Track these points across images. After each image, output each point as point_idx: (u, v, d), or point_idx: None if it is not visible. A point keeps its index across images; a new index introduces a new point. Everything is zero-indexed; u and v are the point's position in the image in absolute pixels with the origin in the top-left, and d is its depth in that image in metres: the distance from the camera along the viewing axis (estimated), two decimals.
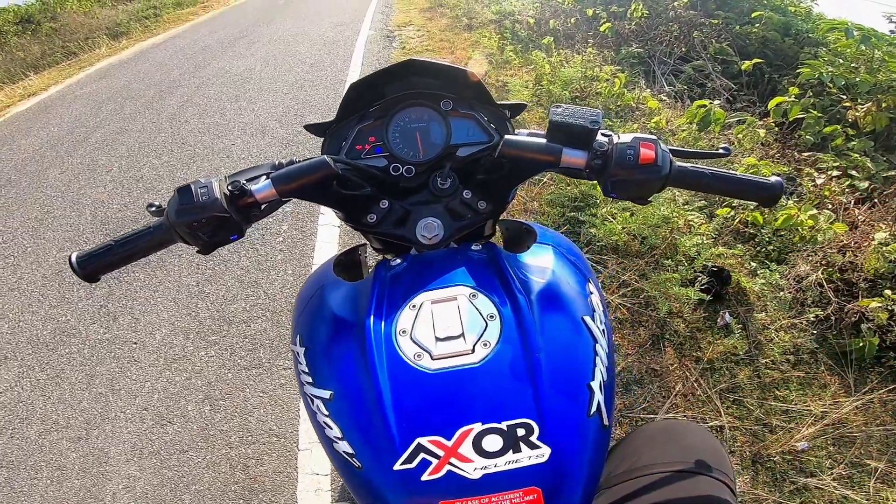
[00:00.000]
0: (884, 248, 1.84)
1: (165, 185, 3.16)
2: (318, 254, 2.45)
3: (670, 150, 0.62)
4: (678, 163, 0.62)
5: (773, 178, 0.63)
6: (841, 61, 3.01)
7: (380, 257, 0.86)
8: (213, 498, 1.50)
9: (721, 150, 0.68)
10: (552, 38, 4.50)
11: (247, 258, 2.45)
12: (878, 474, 1.36)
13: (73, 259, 0.62)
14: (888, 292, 1.70)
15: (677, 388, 1.61)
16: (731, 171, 0.65)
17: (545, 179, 2.62)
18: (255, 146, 3.55)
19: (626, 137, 0.60)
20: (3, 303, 2.37)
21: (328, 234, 2.57)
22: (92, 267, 0.63)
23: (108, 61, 6.68)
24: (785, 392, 1.59)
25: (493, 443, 0.49)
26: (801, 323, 1.77)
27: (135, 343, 2.06)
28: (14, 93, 5.74)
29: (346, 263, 0.80)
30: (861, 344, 1.63)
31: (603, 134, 0.61)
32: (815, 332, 1.75)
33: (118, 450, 1.67)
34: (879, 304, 1.67)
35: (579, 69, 3.70)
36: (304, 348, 0.62)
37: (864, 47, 2.94)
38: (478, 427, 0.49)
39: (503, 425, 0.49)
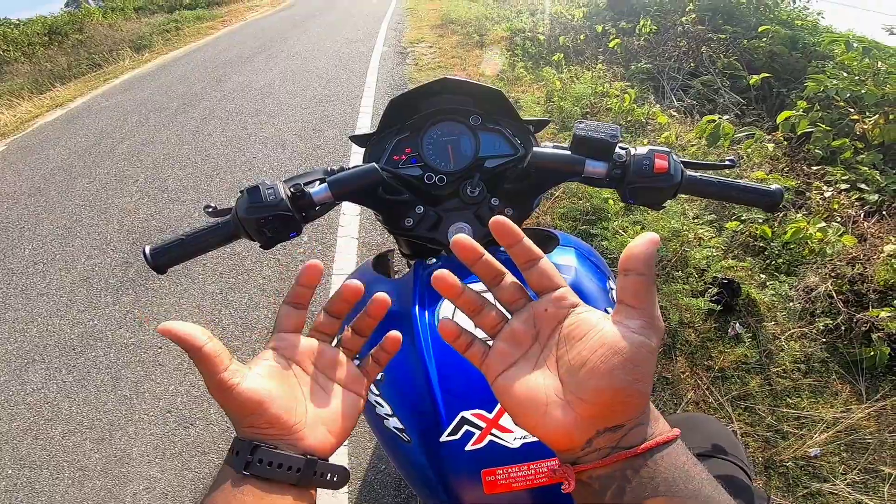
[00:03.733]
0: (893, 260, 1.85)
1: (190, 196, 3.27)
2: (338, 264, 2.52)
3: (682, 161, 0.70)
4: (689, 172, 0.69)
5: (774, 186, 0.70)
6: (845, 74, 3.04)
7: (404, 261, 0.94)
8: None
9: (727, 162, 0.75)
10: (562, 55, 4.60)
11: (268, 268, 2.53)
12: (892, 480, 1.36)
13: (147, 251, 0.67)
14: None
15: (689, 396, 1.64)
16: (736, 180, 0.71)
17: (557, 193, 2.69)
18: (275, 159, 3.66)
19: (642, 150, 0.67)
20: (33, 307, 2.46)
21: (347, 246, 2.64)
22: (164, 259, 0.67)
23: (132, 73, 6.90)
24: (796, 399, 1.61)
25: None
26: (812, 332, 1.79)
27: (160, 348, 2.12)
28: (42, 103, 5.96)
29: (379, 266, 0.88)
30: (872, 353, 1.63)
31: (621, 147, 0.68)
32: (825, 341, 1.76)
33: (140, 451, 1.71)
34: (890, 314, 1.67)
35: (589, 85, 3.78)
36: None
37: (867, 60, 2.98)
38: None
39: None
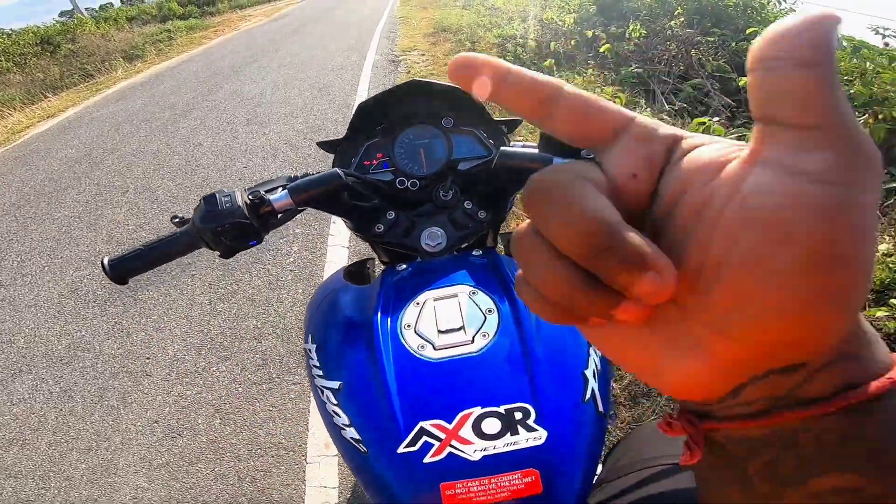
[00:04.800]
0: (888, 259, 1.85)
1: (180, 207, 3.25)
2: (328, 274, 2.49)
3: None
4: None
5: None
6: None
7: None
8: None
9: None
10: (553, 61, 4.62)
11: (258, 278, 2.51)
12: None
13: (106, 262, 0.66)
14: (894, 301, 1.70)
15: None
16: None
17: None
18: (266, 169, 3.64)
19: None
20: (21, 318, 2.44)
21: (337, 255, 2.62)
22: (123, 269, 0.66)
23: (124, 83, 6.91)
24: None
25: (491, 426, 0.52)
26: None
27: (147, 358, 2.10)
28: (34, 114, 5.95)
29: (355, 274, 0.85)
30: None
31: None
32: None
33: (127, 461, 1.69)
34: (887, 313, 1.67)
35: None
36: (315, 345, 0.67)
37: (855, 60, 2.99)
38: (477, 411, 0.53)
39: (501, 409, 0.52)
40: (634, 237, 0.16)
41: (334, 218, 2.84)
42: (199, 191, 3.44)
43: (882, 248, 1.92)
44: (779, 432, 0.18)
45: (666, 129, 0.20)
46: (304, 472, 1.60)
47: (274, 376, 1.94)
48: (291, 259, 2.63)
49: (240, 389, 1.90)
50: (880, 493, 0.17)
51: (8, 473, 1.71)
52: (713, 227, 0.17)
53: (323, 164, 3.62)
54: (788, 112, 0.16)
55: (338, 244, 2.70)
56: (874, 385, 0.17)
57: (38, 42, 10.04)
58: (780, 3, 4.77)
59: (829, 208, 0.15)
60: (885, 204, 2.27)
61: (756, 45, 0.17)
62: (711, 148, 0.18)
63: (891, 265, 1.82)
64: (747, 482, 0.19)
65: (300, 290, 2.40)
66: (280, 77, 6.09)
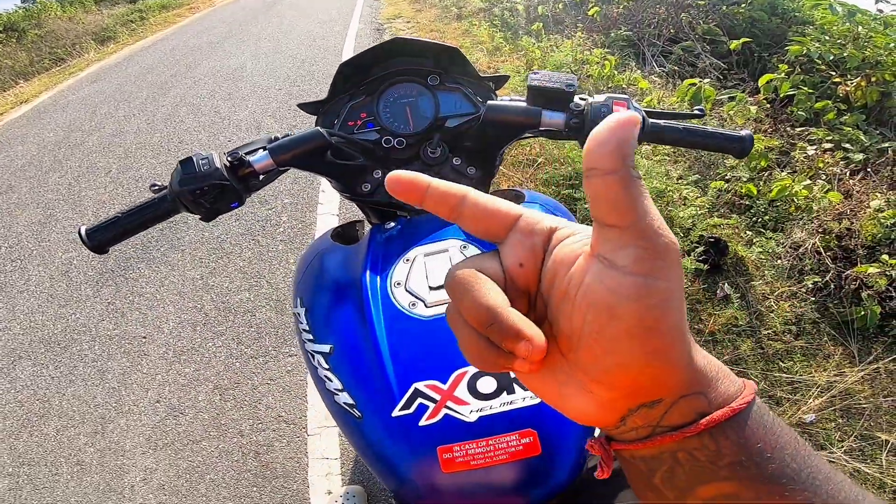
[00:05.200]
0: (880, 215, 1.85)
1: (166, 182, 3.17)
2: None
3: (649, 111, 0.67)
4: (652, 120, 0.66)
5: (745, 132, 0.68)
6: (828, 38, 3.03)
7: None
8: (227, 486, 1.53)
9: (696, 111, 0.72)
10: (541, 24, 4.51)
11: (248, 250, 2.47)
12: (889, 447, 1.33)
13: (83, 231, 0.65)
14: (885, 257, 1.69)
15: None
16: (703, 126, 0.68)
17: (540, 161, 2.65)
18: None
19: (599, 97, 0.64)
20: (14, 304, 2.40)
21: (327, 223, 2.59)
22: (100, 238, 0.65)
23: (98, 66, 6.65)
24: (789, 363, 1.58)
25: (487, 385, 0.51)
26: (801, 292, 1.77)
27: (144, 338, 2.08)
28: (5, 101, 5.73)
29: (344, 236, 0.83)
30: (863, 312, 1.60)
31: (580, 98, 0.65)
32: (815, 301, 1.74)
33: (133, 443, 1.69)
34: (878, 270, 1.66)
35: (569, 54, 3.72)
36: (304, 308, 0.65)
37: (848, 24, 2.97)
38: (472, 369, 0.51)
39: None
40: (512, 316, 0.22)
41: (323, 186, 2.80)
42: None
43: (873, 203, 1.92)
44: (664, 451, 0.23)
45: (547, 221, 0.25)
46: (305, 444, 1.61)
47: (270, 349, 1.94)
48: (281, 229, 2.59)
49: (237, 364, 1.90)
50: (754, 497, 0.22)
51: (21, 461, 1.70)
52: (572, 306, 0.23)
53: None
54: (604, 214, 0.21)
55: (327, 212, 2.67)
56: (718, 413, 0.22)
57: (1, 30, 9.63)
58: None
59: (637, 295, 0.21)
60: (877, 162, 2.28)
61: (584, 151, 0.22)
62: (573, 240, 0.24)
63: (882, 220, 1.83)
64: (656, 489, 0.24)
65: (291, 260, 2.38)
66: (260, 49, 5.91)
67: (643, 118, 0.64)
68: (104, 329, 2.17)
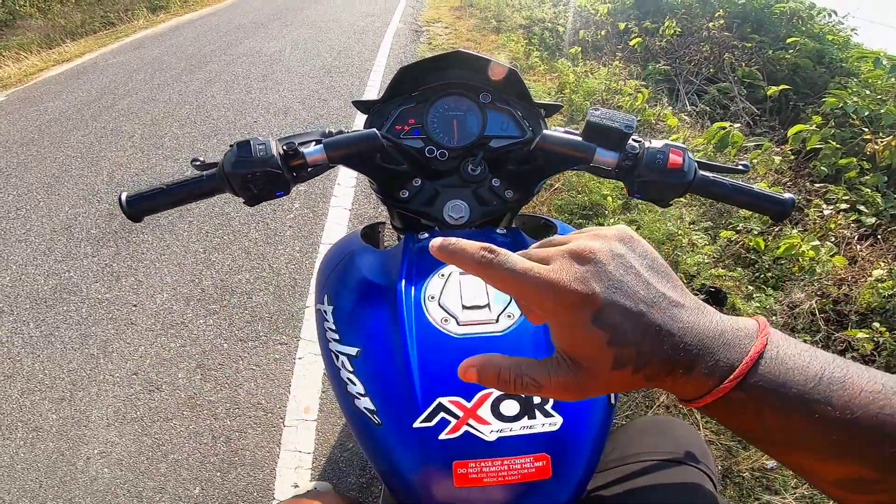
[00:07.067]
0: (879, 285, 1.83)
1: (185, 155, 3.22)
2: (328, 234, 2.46)
3: (700, 163, 0.66)
4: (702, 173, 0.65)
5: (787, 195, 0.67)
6: (868, 92, 2.96)
7: (394, 234, 0.90)
8: (189, 468, 1.48)
9: (741, 166, 0.72)
10: (580, 49, 4.50)
11: (256, 231, 2.48)
12: None
13: (123, 198, 0.65)
14: (877, 325, 1.70)
15: (661, 400, 1.60)
16: (749, 185, 0.68)
17: (557, 185, 2.63)
18: (276, 125, 3.60)
19: (657, 143, 0.64)
20: (9, 254, 2.38)
21: (339, 216, 2.59)
22: (140, 207, 0.66)
23: (145, 33, 6.82)
24: None
25: (510, 407, 0.51)
26: None
27: (134, 305, 2.06)
28: (49, 58, 5.88)
29: (369, 236, 0.84)
30: None
31: (634, 139, 0.65)
32: None
33: (100, 413, 1.64)
34: (866, 336, 1.67)
35: (603, 81, 3.69)
36: (331, 307, 0.65)
37: (893, 79, 2.89)
38: (497, 392, 0.51)
39: None
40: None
41: (339, 179, 2.81)
42: (205, 140, 3.41)
43: (875, 272, 1.91)
44: (709, 407, 0.29)
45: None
46: (280, 434, 1.57)
47: (261, 334, 1.91)
48: (292, 216, 2.60)
49: (225, 345, 1.87)
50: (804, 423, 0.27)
51: None
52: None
53: (334, 125, 3.57)
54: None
55: (340, 206, 2.67)
56: (725, 387, 0.27)
57: None
58: (829, 16, 4.59)
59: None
60: (889, 229, 2.22)
61: None
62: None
63: (880, 290, 1.81)
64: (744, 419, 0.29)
65: (297, 248, 2.37)
66: (301, 36, 5.99)
67: (695, 170, 0.64)
68: (95, 291, 2.15)
